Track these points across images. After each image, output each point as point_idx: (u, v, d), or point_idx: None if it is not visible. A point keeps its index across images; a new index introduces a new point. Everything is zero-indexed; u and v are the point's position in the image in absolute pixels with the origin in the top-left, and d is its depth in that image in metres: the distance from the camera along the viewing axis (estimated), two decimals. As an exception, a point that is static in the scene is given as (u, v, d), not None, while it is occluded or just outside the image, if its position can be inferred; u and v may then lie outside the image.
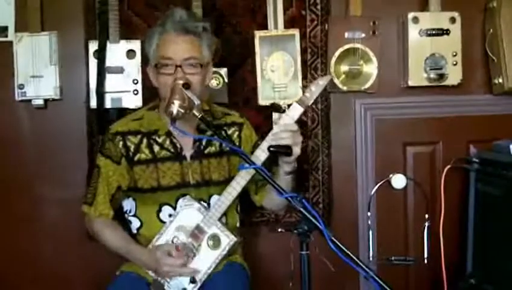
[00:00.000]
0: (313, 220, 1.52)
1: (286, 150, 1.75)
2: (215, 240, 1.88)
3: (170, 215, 1.94)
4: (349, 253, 1.46)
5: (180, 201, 1.94)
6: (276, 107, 2.40)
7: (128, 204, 2.04)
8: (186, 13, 1.93)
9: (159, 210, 1.96)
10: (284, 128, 1.76)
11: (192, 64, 1.88)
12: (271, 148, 1.75)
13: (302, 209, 1.54)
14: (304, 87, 1.79)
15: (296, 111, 1.77)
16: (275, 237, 2.50)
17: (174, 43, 1.88)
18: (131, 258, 1.96)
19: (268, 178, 1.66)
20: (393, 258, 2.47)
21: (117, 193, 1.99)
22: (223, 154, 2.02)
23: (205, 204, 1.96)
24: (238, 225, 2.08)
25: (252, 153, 1.87)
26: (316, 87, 1.76)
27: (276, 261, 2.44)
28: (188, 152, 1.98)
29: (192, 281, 1.88)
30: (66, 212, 2.48)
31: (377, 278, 1.44)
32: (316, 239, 1.57)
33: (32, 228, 2.53)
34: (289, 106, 1.81)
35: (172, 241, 1.89)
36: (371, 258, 2.46)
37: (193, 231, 1.87)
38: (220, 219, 1.89)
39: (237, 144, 2.04)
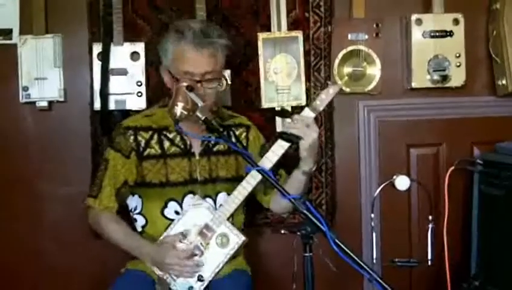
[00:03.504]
0: (316, 222, 1.52)
1: (295, 139, 1.81)
2: (224, 239, 1.89)
3: (176, 212, 1.95)
4: (353, 255, 1.46)
5: (189, 200, 1.96)
6: (285, 113, 2.41)
7: (133, 202, 2.04)
8: (205, 27, 1.91)
9: (164, 206, 1.97)
10: (300, 118, 1.82)
11: (210, 79, 1.90)
12: (282, 135, 1.82)
13: (305, 211, 1.54)
14: (314, 94, 1.89)
15: (308, 116, 1.84)
16: (278, 238, 2.50)
17: (194, 59, 1.88)
18: (136, 252, 1.96)
19: (272, 180, 1.66)
20: (396, 260, 2.46)
21: (123, 187, 2.00)
22: (231, 153, 2.04)
23: (212, 202, 1.98)
24: (242, 226, 2.09)
25: (261, 154, 1.92)
26: (327, 96, 1.85)
27: (279, 262, 2.44)
28: (197, 149, 2.01)
29: (200, 279, 1.88)
30: (69, 213, 2.49)
31: (380, 281, 1.44)
32: (319, 240, 1.57)
33: (34, 229, 2.55)
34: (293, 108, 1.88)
35: (180, 240, 1.89)
36: (374, 260, 2.45)
37: (201, 230, 1.89)
38: (228, 219, 1.91)
39: (244, 145, 2.07)
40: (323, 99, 1.84)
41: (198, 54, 1.87)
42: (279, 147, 1.84)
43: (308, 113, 1.84)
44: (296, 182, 1.94)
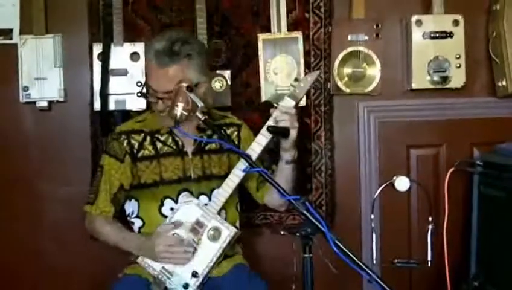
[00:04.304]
0: (316, 223, 1.52)
1: (283, 131, 1.86)
2: (216, 232, 1.90)
3: (172, 209, 1.96)
4: (353, 256, 1.46)
5: (180, 197, 1.98)
6: (269, 104, 2.42)
7: (130, 207, 2.07)
8: (169, 44, 1.90)
9: (161, 205, 1.99)
10: (284, 110, 1.87)
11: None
12: (270, 128, 1.85)
13: (305, 212, 1.54)
14: (295, 81, 1.95)
15: (288, 104, 1.88)
16: (277, 239, 2.50)
17: (156, 76, 1.91)
18: (131, 247, 1.98)
19: (270, 179, 1.66)
20: (396, 261, 2.46)
21: (119, 192, 2.02)
22: (223, 151, 2.07)
23: (207, 199, 1.99)
24: (237, 224, 2.09)
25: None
26: (305, 83, 1.91)
27: (278, 263, 2.43)
28: (189, 148, 2.03)
29: (194, 275, 1.89)
30: (69, 213, 2.49)
31: (380, 281, 1.44)
32: (318, 241, 1.57)
33: (34, 229, 2.55)
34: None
35: (173, 228, 1.91)
36: (374, 261, 2.45)
37: (193, 226, 1.90)
38: (219, 213, 1.93)
39: (236, 143, 2.09)
40: (302, 87, 1.90)
41: (158, 72, 1.90)
42: (263, 137, 1.88)
43: (288, 102, 1.88)
44: (283, 174, 1.98)
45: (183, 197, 1.96)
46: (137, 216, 2.04)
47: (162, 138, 2.03)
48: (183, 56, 1.90)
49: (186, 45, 1.91)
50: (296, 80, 1.96)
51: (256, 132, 2.14)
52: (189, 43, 1.93)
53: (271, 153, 2.05)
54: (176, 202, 1.98)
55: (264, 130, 1.88)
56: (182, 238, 1.89)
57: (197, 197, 1.98)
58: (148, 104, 2.39)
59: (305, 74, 2.47)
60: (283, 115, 1.86)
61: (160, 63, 1.89)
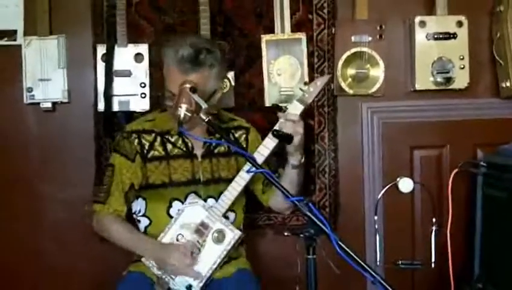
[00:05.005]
0: (320, 224, 1.52)
1: (287, 136, 1.87)
2: (220, 235, 1.90)
3: (179, 210, 1.96)
4: (356, 257, 1.46)
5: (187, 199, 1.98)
6: (277, 107, 2.42)
7: (137, 205, 2.06)
8: (194, 50, 1.89)
9: (169, 206, 1.99)
10: (287, 118, 1.87)
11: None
12: (275, 132, 1.86)
13: (308, 213, 1.54)
14: (304, 85, 1.95)
15: (297, 109, 1.88)
16: (281, 240, 2.50)
17: (176, 81, 1.87)
18: (138, 247, 1.97)
19: (274, 181, 1.66)
20: (400, 262, 2.46)
21: (129, 191, 2.02)
22: (231, 154, 2.07)
23: (214, 202, 1.98)
24: (241, 226, 2.10)
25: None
26: (314, 88, 1.91)
27: (282, 264, 2.44)
28: (198, 151, 2.04)
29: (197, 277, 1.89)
30: (69, 214, 2.51)
31: (383, 283, 1.44)
32: (322, 242, 1.57)
33: (34, 229, 2.56)
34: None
35: (177, 239, 1.91)
36: (377, 262, 2.45)
37: (197, 227, 1.91)
38: (225, 215, 1.93)
39: (244, 146, 2.10)
40: (311, 92, 1.90)
41: (181, 78, 1.87)
42: (270, 141, 1.89)
43: (296, 106, 1.89)
44: (288, 178, 1.99)
45: (189, 198, 1.96)
46: (144, 215, 2.04)
47: (173, 139, 2.03)
48: (206, 66, 1.91)
49: (211, 55, 1.92)
50: (306, 83, 1.97)
51: (259, 133, 2.15)
52: (213, 52, 1.93)
53: (278, 157, 2.05)
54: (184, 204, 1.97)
55: (271, 133, 1.88)
56: (196, 257, 1.88)
57: (205, 200, 1.97)
58: (152, 105, 2.41)
59: (308, 75, 2.48)
60: (286, 122, 1.87)
61: (183, 70, 1.89)
